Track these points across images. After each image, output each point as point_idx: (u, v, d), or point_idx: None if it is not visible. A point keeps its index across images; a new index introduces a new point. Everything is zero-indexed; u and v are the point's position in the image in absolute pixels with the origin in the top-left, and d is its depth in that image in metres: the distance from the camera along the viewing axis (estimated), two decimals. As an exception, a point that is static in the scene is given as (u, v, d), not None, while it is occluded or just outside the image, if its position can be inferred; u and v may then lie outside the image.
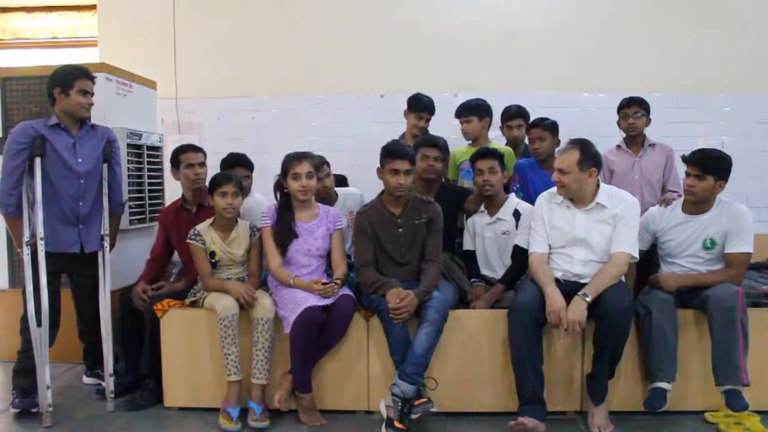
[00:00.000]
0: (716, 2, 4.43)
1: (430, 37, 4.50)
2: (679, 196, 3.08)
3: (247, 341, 2.81)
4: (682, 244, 2.87)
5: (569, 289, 2.69)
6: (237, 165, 3.36)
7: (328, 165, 3.31)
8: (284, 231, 2.90)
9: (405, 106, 3.78)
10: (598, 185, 2.78)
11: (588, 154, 2.72)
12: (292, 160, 2.89)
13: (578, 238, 2.75)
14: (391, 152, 2.85)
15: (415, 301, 2.69)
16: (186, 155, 3.20)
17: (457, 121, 3.70)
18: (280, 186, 2.97)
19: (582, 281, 2.72)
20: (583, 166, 2.70)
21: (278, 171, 2.96)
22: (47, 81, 2.87)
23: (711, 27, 4.40)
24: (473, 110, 3.61)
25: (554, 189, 2.86)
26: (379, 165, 2.91)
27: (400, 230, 2.90)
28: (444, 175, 3.39)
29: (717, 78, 4.38)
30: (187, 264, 3.11)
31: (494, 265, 3.14)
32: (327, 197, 3.30)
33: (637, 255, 2.74)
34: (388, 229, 2.90)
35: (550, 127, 3.44)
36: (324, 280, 2.83)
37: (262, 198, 3.46)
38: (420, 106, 3.70)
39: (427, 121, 3.73)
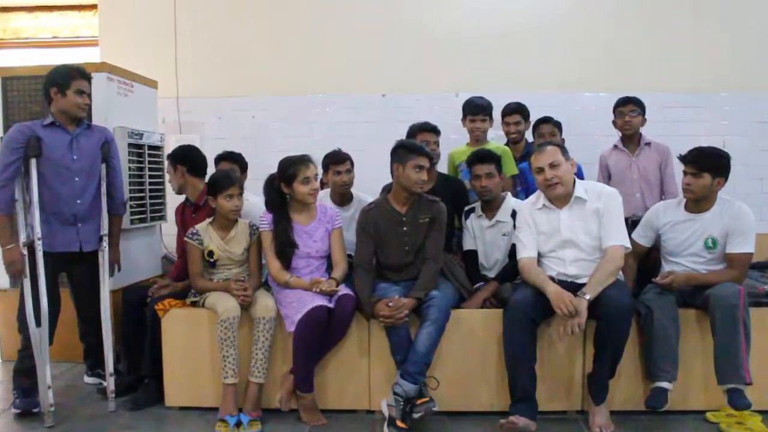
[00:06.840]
0: (717, 1, 4.42)
1: (431, 37, 4.49)
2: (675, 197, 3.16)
3: (245, 342, 2.81)
4: (684, 242, 2.87)
5: (566, 289, 2.68)
6: (234, 163, 3.38)
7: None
8: (285, 245, 2.86)
9: (405, 106, 3.76)
10: (574, 181, 2.78)
11: (562, 146, 2.79)
12: (298, 164, 2.85)
13: (565, 240, 2.75)
14: (415, 149, 2.83)
15: (410, 303, 2.70)
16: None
17: (457, 121, 3.69)
18: (275, 191, 2.92)
19: (578, 281, 2.71)
20: (566, 155, 2.75)
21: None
22: (44, 80, 2.86)
23: (712, 26, 4.39)
24: (488, 110, 3.57)
25: (532, 197, 2.89)
26: (396, 162, 2.83)
27: (405, 228, 2.88)
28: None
29: (718, 77, 4.37)
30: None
31: (499, 267, 3.11)
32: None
33: (629, 245, 2.74)
34: (392, 227, 2.88)
35: (559, 125, 3.56)
36: (323, 282, 2.81)
37: (258, 201, 3.36)
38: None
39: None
